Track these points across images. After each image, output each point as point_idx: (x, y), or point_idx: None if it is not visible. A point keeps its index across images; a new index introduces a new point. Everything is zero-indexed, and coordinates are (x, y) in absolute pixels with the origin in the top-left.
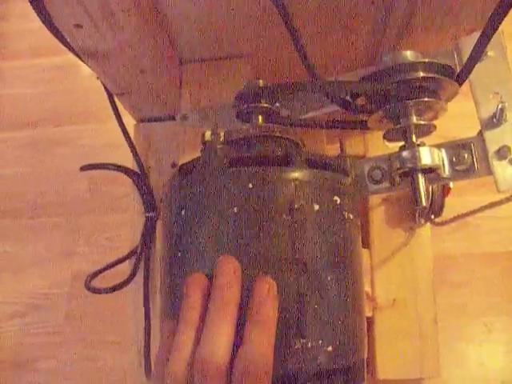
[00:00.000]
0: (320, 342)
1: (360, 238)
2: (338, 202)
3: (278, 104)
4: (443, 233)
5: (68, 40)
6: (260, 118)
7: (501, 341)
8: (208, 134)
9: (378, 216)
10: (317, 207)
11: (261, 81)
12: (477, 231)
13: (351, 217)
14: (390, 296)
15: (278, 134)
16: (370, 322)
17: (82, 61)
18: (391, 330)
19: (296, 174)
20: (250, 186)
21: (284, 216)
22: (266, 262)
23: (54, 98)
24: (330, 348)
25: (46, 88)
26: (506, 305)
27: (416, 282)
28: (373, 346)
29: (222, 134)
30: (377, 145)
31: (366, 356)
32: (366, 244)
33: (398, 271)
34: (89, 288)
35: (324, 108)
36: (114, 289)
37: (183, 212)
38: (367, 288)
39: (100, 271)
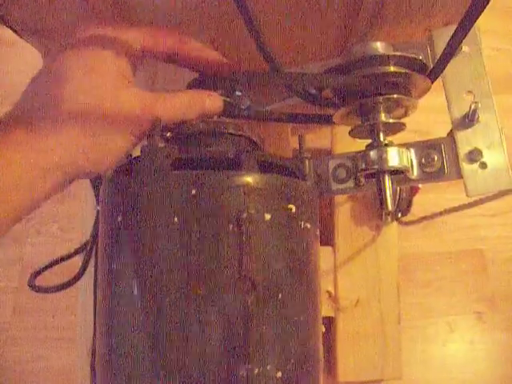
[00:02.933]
0: (268, 367)
1: (318, 250)
2: (293, 210)
3: (238, 93)
4: (409, 230)
5: (1, 13)
6: None
7: (463, 340)
8: None
9: (343, 213)
10: (268, 217)
11: None
12: (443, 229)
13: (308, 226)
14: (354, 296)
15: (230, 131)
16: (332, 323)
17: (21, 37)
18: (353, 331)
19: (245, 179)
20: (193, 192)
21: (230, 227)
22: (208, 280)
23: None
24: (279, 374)
25: None
26: (468, 303)
27: (380, 281)
28: (334, 347)
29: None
30: (345, 138)
31: (321, 380)
32: (330, 242)
33: (363, 270)
34: (32, 286)
35: (288, 99)
36: (60, 288)
37: (119, 218)
38: (330, 288)
39: (46, 267)
